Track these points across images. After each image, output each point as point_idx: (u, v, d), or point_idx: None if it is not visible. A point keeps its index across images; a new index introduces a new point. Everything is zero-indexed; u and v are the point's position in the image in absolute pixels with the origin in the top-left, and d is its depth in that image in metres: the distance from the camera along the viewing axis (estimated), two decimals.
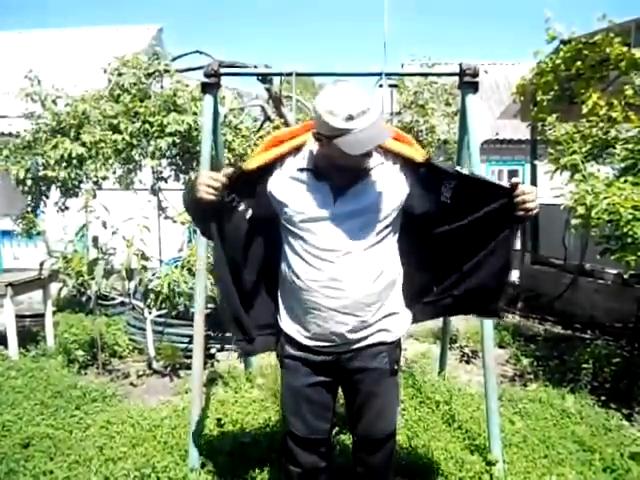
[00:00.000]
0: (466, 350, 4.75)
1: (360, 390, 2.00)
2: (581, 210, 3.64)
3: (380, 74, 2.93)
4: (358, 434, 2.11)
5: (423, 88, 7.24)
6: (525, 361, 4.37)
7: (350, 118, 1.68)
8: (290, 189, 1.89)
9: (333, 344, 1.92)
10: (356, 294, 1.85)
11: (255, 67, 5.44)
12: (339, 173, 1.85)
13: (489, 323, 2.80)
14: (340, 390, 2.10)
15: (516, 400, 3.59)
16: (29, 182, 5.18)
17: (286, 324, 2.00)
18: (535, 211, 1.89)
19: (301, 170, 1.89)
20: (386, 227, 1.89)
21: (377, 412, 2.01)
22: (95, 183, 5.10)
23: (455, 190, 1.93)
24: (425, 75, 7.29)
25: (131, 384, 4.19)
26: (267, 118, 6.66)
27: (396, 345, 2.02)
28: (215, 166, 3.18)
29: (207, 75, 2.83)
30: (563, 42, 4.96)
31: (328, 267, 1.84)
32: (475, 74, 2.79)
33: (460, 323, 5.33)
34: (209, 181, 1.85)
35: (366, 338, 1.93)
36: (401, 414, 3.16)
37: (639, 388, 3.61)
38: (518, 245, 7.40)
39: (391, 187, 1.89)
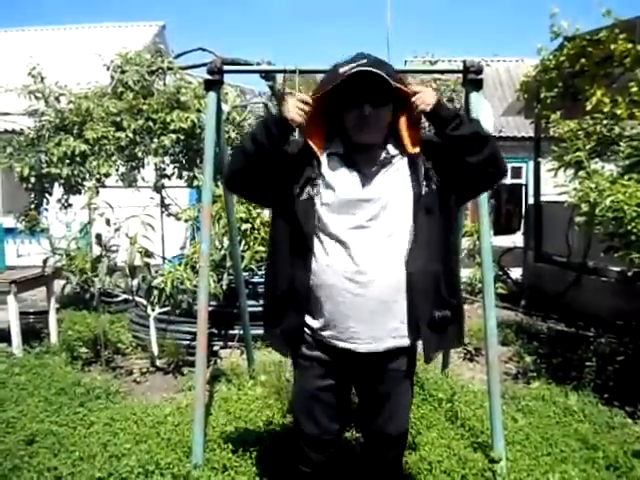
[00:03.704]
0: (469, 348, 4.74)
1: (376, 390, 1.98)
2: (585, 207, 3.63)
3: None
4: (370, 432, 2.10)
5: (426, 85, 7.21)
6: (528, 359, 4.36)
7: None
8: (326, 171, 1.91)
9: (354, 341, 1.88)
10: (381, 288, 1.83)
11: (258, 64, 5.46)
12: (364, 157, 1.88)
13: (492, 320, 2.79)
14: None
15: (519, 398, 3.59)
16: (32, 179, 5.19)
17: (309, 319, 1.95)
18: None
19: (331, 155, 1.92)
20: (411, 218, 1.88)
21: (391, 412, 1.99)
22: (98, 180, 5.11)
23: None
24: (428, 72, 7.27)
25: (134, 381, 4.20)
26: None
27: (414, 346, 1.98)
28: (219, 164, 3.18)
29: (210, 72, 2.82)
30: (567, 39, 4.94)
31: (355, 259, 1.82)
32: (479, 71, 2.77)
33: None
34: (300, 104, 1.84)
35: (386, 337, 1.89)
36: None
37: None
38: (521, 243, 7.39)
39: (412, 179, 1.90)
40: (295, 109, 1.83)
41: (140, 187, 5.68)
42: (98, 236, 4.35)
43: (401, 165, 1.91)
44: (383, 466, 2.09)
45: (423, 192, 1.87)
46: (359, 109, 1.80)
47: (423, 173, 1.89)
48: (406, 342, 1.91)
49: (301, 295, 1.91)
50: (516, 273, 7.43)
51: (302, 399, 2.05)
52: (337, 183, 1.87)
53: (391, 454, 2.08)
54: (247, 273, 4.72)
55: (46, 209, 5.66)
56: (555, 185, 4.24)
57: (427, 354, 1.95)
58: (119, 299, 6.04)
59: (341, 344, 1.89)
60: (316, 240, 1.88)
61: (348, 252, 1.82)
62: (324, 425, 2.01)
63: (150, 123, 5.10)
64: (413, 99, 1.85)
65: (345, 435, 2.93)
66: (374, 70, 1.74)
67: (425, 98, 1.85)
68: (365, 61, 1.78)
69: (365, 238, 1.83)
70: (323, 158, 1.90)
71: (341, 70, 1.78)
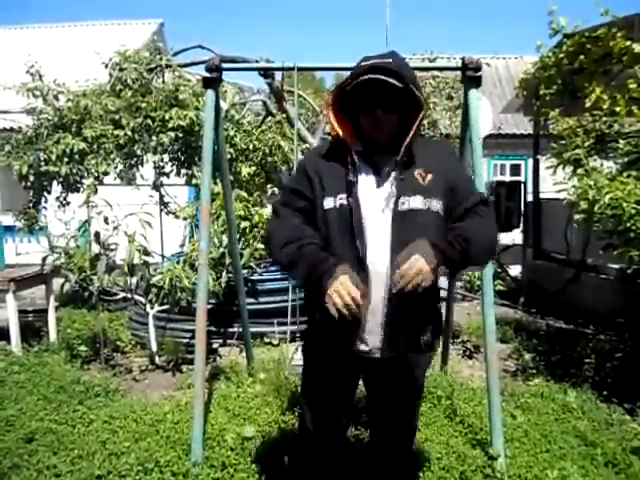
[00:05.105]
0: (468, 345, 4.75)
1: (387, 386, 1.97)
2: (584, 205, 3.63)
3: None
4: (379, 427, 2.10)
5: (425, 82, 7.20)
6: (527, 356, 4.37)
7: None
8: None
9: (368, 347, 1.85)
10: (386, 290, 1.79)
11: (257, 62, 5.45)
12: (381, 156, 1.84)
13: (491, 318, 2.79)
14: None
15: (518, 395, 3.59)
16: (31, 177, 5.19)
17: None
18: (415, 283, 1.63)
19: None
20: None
21: (401, 408, 1.99)
22: (96, 178, 5.11)
23: None
24: (427, 69, 7.25)
25: (134, 379, 4.21)
26: (269, 113, 6.66)
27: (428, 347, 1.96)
28: (217, 161, 3.18)
29: (209, 70, 2.82)
30: (566, 36, 4.93)
31: (371, 267, 1.77)
32: (478, 68, 2.77)
33: (462, 318, 5.34)
34: (348, 300, 1.63)
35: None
36: None
37: None
38: (521, 240, 7.40)
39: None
40: (343, 303, 1.64)
41: (139, 185, 5.68)
42: (97, 234, 4.34)
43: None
44: (391, 462, 2.09)
45: (405, 206, 1.80)
46: (371, 114, 1.80)
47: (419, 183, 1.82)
48: (419, 348, 1.90)
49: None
50: (515, 270, 7.44)
51: (311, 393, 2.04)
52: (360, 183, 1.83)
53: (399, 450, 2.08)
54: (246, 271, 4.73)
55: (45, 207, 5.65)
56: (554, 182, 4.25)
57: None
58: (118, 297, 6.04)
59: (355, 348, 1.87)
60: (335, 242, 1.82)
61: (364, 259, 1.77)
62: (333, 420, 2.01)
63: (149, 121, 5.09)
64: (403, 281, 1.62)
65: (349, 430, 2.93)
66: (382, 77, 1.71)
67: (419, 274, 1.62)
68: (383, 63, 1.74)
69: (379, 245, 1.78)
70: (356, 158, 1.84)
71: (362, 67, 1.76)
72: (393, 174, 1.84)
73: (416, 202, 1.79)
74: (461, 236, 1.76)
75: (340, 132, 1.84)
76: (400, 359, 1.88)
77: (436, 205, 1.81)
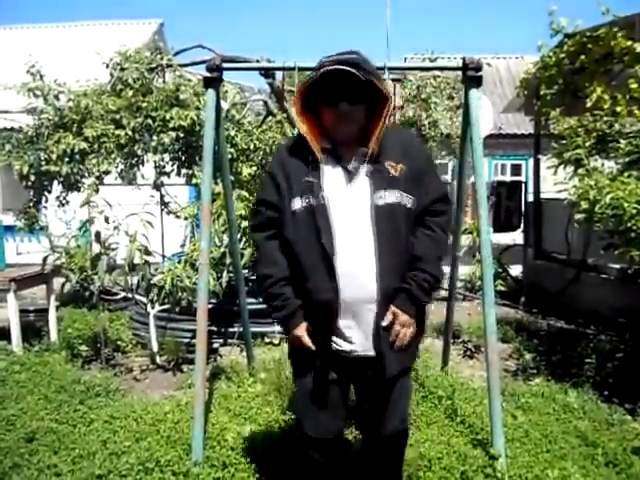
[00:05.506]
0: (469, 345, 4.75)
1: (375, 388, 1.98)
2: (585, 205, 3.63)
3: (383, 68, 2.92)
4: (370, 431, 2.10)
5: (426, 82, 7.19)
6: (528, 356, 4.37)
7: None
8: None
9: (348, 345, 1.88)
10: (373, 286, 1.81)
11: (257, 61, 5.44)
12: (346, 152, 1.86)
13: (492, 318, 2.79)
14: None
15: (519, 395, 3.59)
16: (32, 177, 5.19)
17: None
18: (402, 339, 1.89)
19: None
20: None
21: (391, 410, 1.99)
22: (97, 178, 5.11)
23: None
24: (428, 69, 7.25)
25: (134, 379, 4.21)
26: (269, 113, 6.65)
27: (412, 345, 1.98)
28: (218, 161, 3.18)
29: (209, 70, 2.82)
30: (567, 36, 4.93)
31: (345, 258, 1.80)
32: (478, 68, 2.77)
33: (463, 318, 5.33)
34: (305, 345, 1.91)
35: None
36: None
37: None
38: (521, 240, 7.39)
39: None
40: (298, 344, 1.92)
41: (140, 185, 5.68)
42: (97, 234, 4.34)
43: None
44: (383, 464, 2.09)
45: (382, 200, 1.82)
46: (334, 107, 1.81)
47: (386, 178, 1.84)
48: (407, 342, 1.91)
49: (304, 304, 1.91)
50: (516, 270, 7.44)
51: (304, 398, 2.03)
52: (327, 180, 1.85)
53: (391, 452, 2.08)
54: (247, 270, 4.72)
55: (45, 207, 5.65)
56: (555, 182, 4.25)
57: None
58: (119, 297, 6.05)
59: (336, 347, 1.89)
60: (303, 244, 1.85)
61: (332, 259, 1.79)
62: (327, 425, 2.01)
63: (149, 121, 5.09)
64: (397, 340, 1.87)
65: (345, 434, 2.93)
66: (346, 68, 1.73)
67: (406, 328, 1.88)
68: (346, 57, 1.77)
69: (353, 243, 1.81)
70: (319, 156, 1.87)
71: (325, 62, 1.79)
72: (363, 168, 1.85)
73: (392, 196, 1.83)
74: (427, 272, 1.87)
75: (303, 128, 1.86)
76: (390, 355, 1.89)
77: (407, 200, 1.85)
